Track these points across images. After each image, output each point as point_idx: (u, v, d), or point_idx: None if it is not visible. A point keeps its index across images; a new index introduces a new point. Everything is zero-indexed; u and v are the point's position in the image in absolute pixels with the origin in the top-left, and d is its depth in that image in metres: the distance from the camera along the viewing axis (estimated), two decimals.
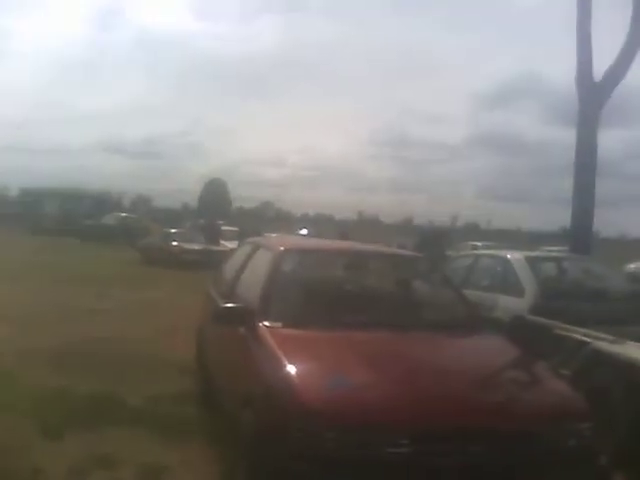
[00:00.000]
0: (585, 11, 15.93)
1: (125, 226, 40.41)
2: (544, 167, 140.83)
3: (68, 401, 6.68)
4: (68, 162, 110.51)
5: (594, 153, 16.01)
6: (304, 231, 45.35)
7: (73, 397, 6.81)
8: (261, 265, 6.04)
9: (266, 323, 4.96)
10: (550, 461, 3.91)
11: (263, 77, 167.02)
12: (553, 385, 4.56)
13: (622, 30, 15.72)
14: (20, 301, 12.97)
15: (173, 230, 30.87)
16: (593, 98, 15.77)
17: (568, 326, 6.65)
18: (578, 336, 6.42)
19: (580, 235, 16.12)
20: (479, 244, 33.44)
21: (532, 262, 9.47)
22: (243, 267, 6.71)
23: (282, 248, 6.24)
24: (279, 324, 4.96)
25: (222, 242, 29.24)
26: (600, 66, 15.94)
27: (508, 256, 9.94)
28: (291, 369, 4.22)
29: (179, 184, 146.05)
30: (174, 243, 27.61)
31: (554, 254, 15.18)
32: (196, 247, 27.36)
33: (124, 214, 47.70)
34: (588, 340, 6.26)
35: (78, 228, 40.12)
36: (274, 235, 24.52)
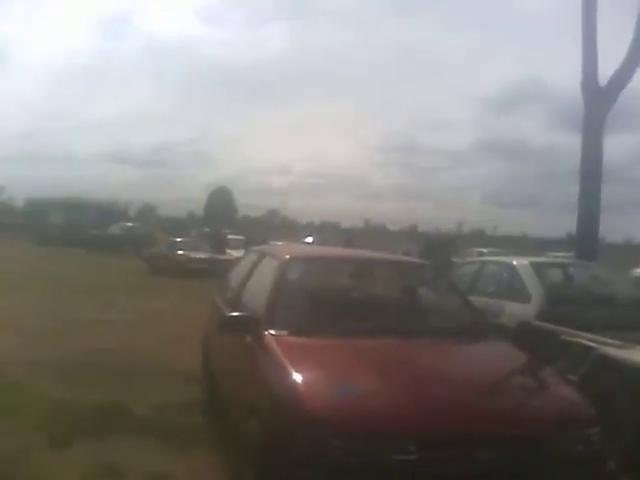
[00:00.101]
0: (590, 16, 15.93)
1: (131, 236, 40.41)
2: (550, 173, 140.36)
3: (74, 411, 6.69)
4: (74, 172, 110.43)
5: (600, 158, 15.99)
6: (310, 239, 45.30)
7: (79, 407, 6.81)
8: (267, 273, 6.04)
9: (272, 331, 4.95)
10: (557, 467, 3.90)
11: (270, 83, 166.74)
12: (560, 391, 4.55)
13: (627, 35, 15.75)
14: (25, 311, 13.00)
15: (179, 239, 30.87)
16: (598, 103, 15.76)
17: (574, 331, 6.64)
18: (584, 341, 6.41)
19: (586, 241, 16.08)
20: (485, 250, 33.36)
21: (538, 268, 9.45)
22: (249, 275, 6.72)
23: (287, 256, 6.25)
24: (285, 332, 4.96)
25: (228, 251, 29.24)
26: (605, 71, 15.97)
27: (514, 262, 9.93)
28: (297, 377, 4.21)
29: (185, 193, 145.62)
30: (180, 252, 27.58)
31: (560, 260, 15.16)
32: (202, 256, 27.31)
33: (130, 224, 47.71)
34: (594, 345, 6.25)
35: (84, 238, 40.11)
36: (279, 243, 24.59)
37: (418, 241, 37.61)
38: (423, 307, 6.32)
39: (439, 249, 26.16)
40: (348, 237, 35.25)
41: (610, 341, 6.19)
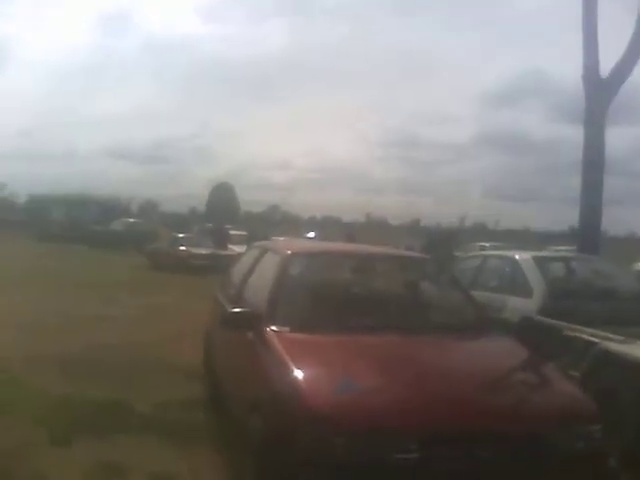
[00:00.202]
0: (591, 8, 15.92)
1: (133, 232, 40.39)
2: (552, 166, 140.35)
3: (76, 408, 6.68)
4: (75, 168, 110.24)
5: (601, 151, 15.99)
6: (311, 234, 45.28)
7: (81, 404, 6.80)
8: (268, 269, 6.03)
9: (273, 327, 4.94)
10: (559, 463, 3.89)
11: (270, 79, 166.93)
12: (562, 387, 4.53)
13: (628, 27, 15.74)
14: (27, 307, 13.00)
15: (181, 235, 30.88)
16: (600, 96, 15.75)
17: (577, 327, 6.62)
18: (587, 337, 6.39)
19: (588, 234, 16.08)
20: (487, 245, 33.33)
21: (540, 262, 9.42)
22: (251, 271, 6.71)
23: (289, 252, 6.23)
24: (287, 328, 4.94)
25: (230, 246, 29.21)
26: (607, 63, 15.96)
27: (516, 257, 9.90)
28: (299, 374, 4.20)
29: (186, 189, 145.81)
30: (182, 248, 27.62)
31: (562, 254, 15.11)
32: (204, 252, 27.30)
33: (132, 220, 47.72)
34: (597, 340, 6.23)
35: (86, 234, 40.12)
36: (281, 239, 24.57)
37: (420, 236, 37.55)
38: (425, 302, 6.29)
39: (441, 244, 26.09)
40: (350, 232, 35.20)
41: (612, 336, 6.17)
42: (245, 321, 5.23)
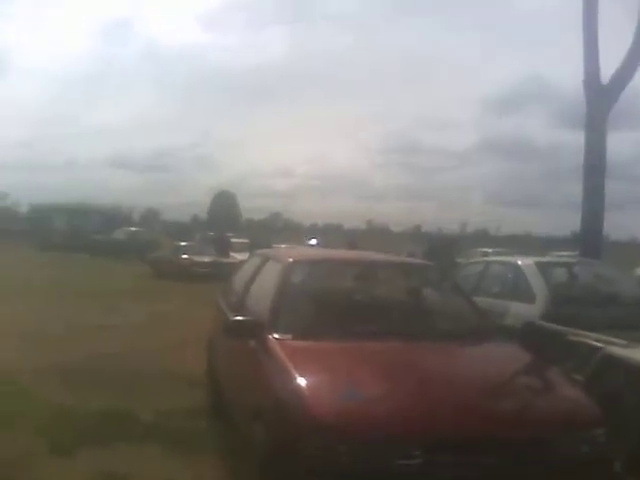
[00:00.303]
0: (592, 14, 15.95)
1: (135, 240, 40.46)
2: (553, 171, 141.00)
3: (78, 417, 6.68)
4: (77, 177, 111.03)
5: (603, 156, 16.01)
6: (313, 241, 45.32)
7: (83, 413, 6.80)
8: (270, 277, 6.02)
9: (276, 335, 4.92)
10: (564, 469, 3.87)
11: (271, 87, 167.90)
12: (566, 392, 4.52)
13: (629, 33, 15.76)
14: (30, 317, 13.01)
15: (183, 243, 30.94)
16: (601, 101, 15.78)
17: (580, 331, 6.60)
18: (590, 341, 6.37)
19: (590, 239, 16.08)
20: (489, 250, 33.30)
21: (543, 268, 9.43)
22: (252, 279, 6.69)
23: (291, 259, 6.23)
24: (289, 336, 4.92)
25: (232, 254, 29.20)
26: (607, 69, 15.99)
27: (518, 262, 9.91)
28: (302, 382, 4.19)
29: (188, 197, 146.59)
30: (184, 256, 27.65)
31: (564, 259, 15.09)
32: (206, 260, 27.34)
33: (134, 228, 47.78)
34: (600, 345, 6.21)
35: (88, 243, 40.19)
36: (283, 246, 24.57)
37: (422, 242, 37.53)
38: (428, 309, 6.28)
39: (442, 250, 26.08)
40: (351, 239, 35.27)
41: (616, 341, 6.15)
42: (247, 329, 5.21)
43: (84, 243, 40.31)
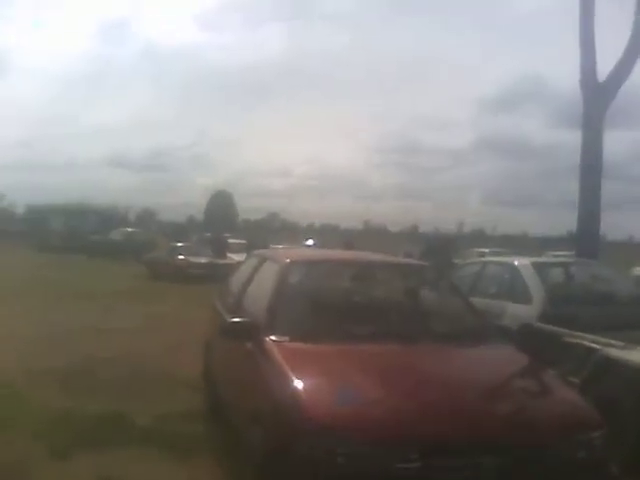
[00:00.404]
0: (588, 13, 15.96)
1: (132, 241, 40.40)
2: (550, 171, 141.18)
3: (76, 421, 6.65)
4: (74, 177, 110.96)
5: (599, 155, 16.02)
6: (310, 242, 45.27)
7: (81, 417, 6.78)
8: (267, 278, 6.01)
9: (273, 337, 4.91)
10: (561, 472, 3.87)
11: (268, 86, 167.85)
12: (563, 395, 4.51)
13: (625, 31, 15.78)
14: (26, 318, 12.99)
15: (179, 244, 30.86)
16: (597, 99, 15.78)
17: (577, 333, 6.60)
18: (587, 343, 6.36)
19: (587, 239, 16.08)
20: (486, 251, 33.29)
21: (539, 268, 9.42)
22: (249, 280, 6.69)
23: (288, 260, 6.22)
24: (286, 338, 4.91)
25: (229, 255, 29.14)
26: (604, 67, 16.00)
27: (515, 263, 9.89)
28: (299, 384, 4.18)
29: (185, 197, 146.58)
30: (181, 257, 27.56)
31: (561, 259, 15.09)
32: (203, 261, 27.26)
33: (131, 229, 47.69)
34: (597, 347, 6.21)
35: (84, 244, 40.10)
36: (280, 247, 24.52)
37: (419, 242, 37.53)
38: (425, 310, 6.27)
39: (439, 250, 26.09)
40: (349, 239, 35.23)
41: (613, 342, 6.14)
42: (244, 331, 5.20)
43: (81, 244, 40.18)
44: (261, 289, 5.95)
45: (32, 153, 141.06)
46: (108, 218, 50.52)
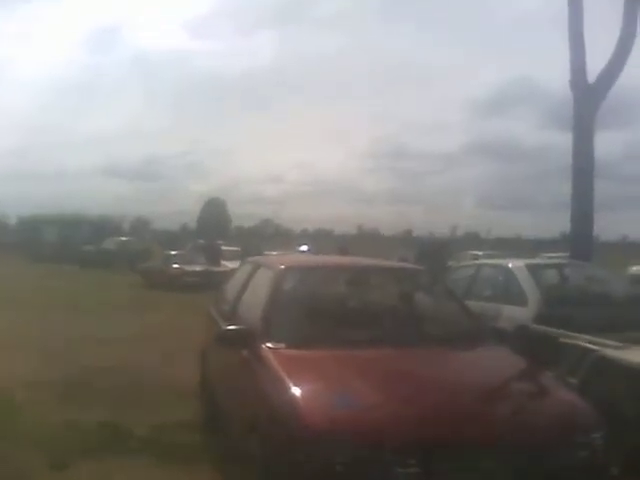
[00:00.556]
0: (577, 14, 16.02)
1: (126, 250, 40.31)
2: (542, 173, 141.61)
3: (74, 432, 6.63)
4: (66, 187, 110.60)
5: (591, 156, 16.06)
6: (304, 247, 45.26)
7: (79, 428, 6.75)
8: (262, 285, 5.99)
9: (269, 344, 4.89)
10: (562, 473, 3.86)
11: (260, 93, 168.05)
12: (562, 396, 4.50)
13: (614, 31, 15.83)
14: (20, 329, 12.95)
15: (173, 252, 30.80)
16: (588, 100, 15.83)
17: (573, 334, 6.59)
18: (583, 343, 6.36)
19: (580, 240, 16.10)
20: (480, 253, 33.35)
21: (534, 270, 9.44)
22: (244, 287, 6.66)
23: (282, 266, 6.20)
24: (282, 345, 4.90)
25: (223, 262, 29.09)
26: (594, 68, 16.04)
27: (510, 265, 9.91)
28: (296, 391, 4.16)
29: (178, 205, 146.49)
30: (175, 265, 27.53)
31: (555, 261, 15.13)
32: (197, 269, 27.25)
33: (124, 238, 47.56)
34: (594, 347, 6.20)
35: (77, 254, 40.01)
36: (274, 253, 24.50)
37: (413, 246, 37.51)
38: (420, 314, 6.25)
39: (433, 254, 26.09)
40: (342, 245, 35.21)
41: (609, 342, 6.14)
42: (240, 338, 5.18)
43: (74, 254, 40.12)
44: (256, 296, 5.92)
45: (23, 163, 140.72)
46: (101, 227, 50.40)
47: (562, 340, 6.59)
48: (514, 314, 8.46)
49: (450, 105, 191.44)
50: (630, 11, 15.62)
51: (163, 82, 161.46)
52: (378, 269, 7.24)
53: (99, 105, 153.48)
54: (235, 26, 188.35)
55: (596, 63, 16.08)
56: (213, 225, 75.35)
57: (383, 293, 6.90)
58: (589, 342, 6.29)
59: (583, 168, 15.91)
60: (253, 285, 6.45)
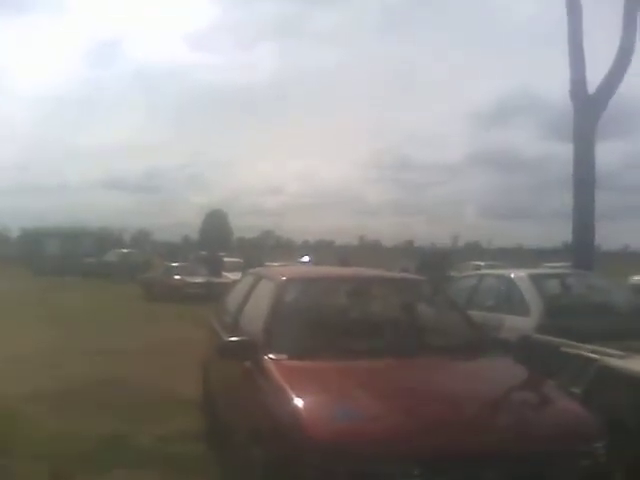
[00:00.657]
0: (576, 25, 16.03)
1: (127, 262, 40.37)
2: (543, 183, 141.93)
3: (77, 444, 6.60)
4: (68, 200, 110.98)
5: (592, 166, 16.04)
6: (306, 258, 45.25)
7: (81, 439, 6.74)
8: (264, 296, 5.99)
9: (271, 356, 4.89)
10: None
11: (261, 105, 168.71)
12: (564, 405, 4.49)
13: (614, 42, 15.85)
14: (21, 341, 12.93)
15: (175, 264, 30.81)
16: (588, 111, 15.84)
17: (576, 343, 6.58)
18: (586, 353, 6.34)
19: (582, 249, 16.08)
20: (482, 264, 33.33)
21: (536, 280, 9.41)
22: (246, 299, 6.66)
23: (284, 278, 6.20)
24: (284, 356, 4.89)
25: (224, 274, 29.07)
26: (594, 78, 16.06)
27: (512, 275, 9.88)
28: (298, 402, 4.15)
29: (179, 217, 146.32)
30: (177, 277, 27.53)
31: (558, 271, 15.10)
32: (199, 280, 27.20)
33: (126, 250, 47.63)
34: (596, 357, 6.19)
35: (79, 266, 40.08)
36: (276, 264, 24.48)
37: (414, 257, 37.50)
38: (422, 325, 6.24)
39: (435, 264, 26.08)
40: (344, 256, 35.18)
41: (612, 352, 6.13)
42: (242, 350, 5.17)
43: (76, 267, 40.17)
44: (258, 307, 5.92)
45: (25, 176, 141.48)
46: (103, 240, 50.47)
47: (565, 350, 6.58)
48: (517, 324, 8.42)
49: (452, 116, 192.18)
50: (630, 21, 15.66)
51: (164, 95, 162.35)
52: (380, 280, 7.24)
53: (100, 118, 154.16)
54: (235, 40, 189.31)
55: (596, 73, 16.13)
56: (215, 237, 75.31)
57: (385, 304, 6.90)
58: (592, 352, 6.28)
59: (584, 178, 15.90)
60: (255, 297, 6.45)
